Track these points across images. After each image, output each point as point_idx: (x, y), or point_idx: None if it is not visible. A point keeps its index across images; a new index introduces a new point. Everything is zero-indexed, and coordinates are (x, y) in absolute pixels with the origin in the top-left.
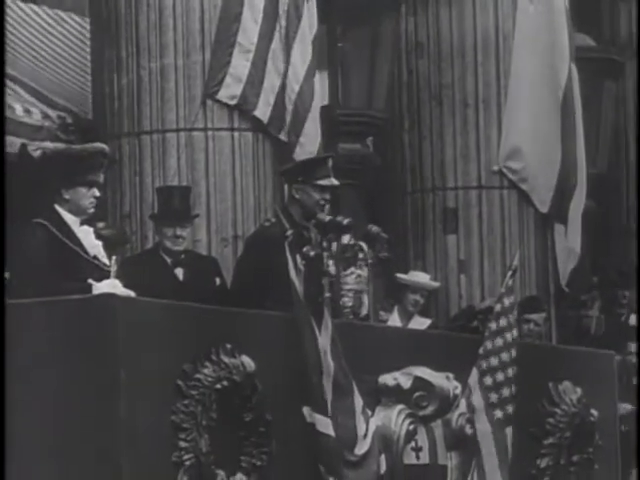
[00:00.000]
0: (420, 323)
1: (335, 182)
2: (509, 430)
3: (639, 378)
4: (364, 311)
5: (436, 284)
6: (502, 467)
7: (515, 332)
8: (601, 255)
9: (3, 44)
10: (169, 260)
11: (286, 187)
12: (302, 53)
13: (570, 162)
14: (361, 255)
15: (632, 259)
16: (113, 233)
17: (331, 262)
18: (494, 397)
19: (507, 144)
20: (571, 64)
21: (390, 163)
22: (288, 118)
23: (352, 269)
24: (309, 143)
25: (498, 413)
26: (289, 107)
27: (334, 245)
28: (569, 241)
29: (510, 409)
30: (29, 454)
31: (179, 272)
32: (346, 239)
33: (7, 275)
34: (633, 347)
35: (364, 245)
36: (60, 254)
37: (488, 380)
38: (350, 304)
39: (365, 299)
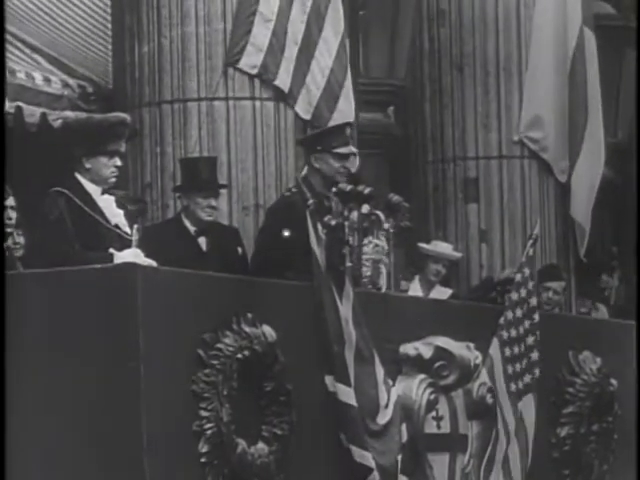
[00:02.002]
0: (441, 293)
1: (354, 150)
2: (532, 397)
3: (639, 372)
4: (382, 281)
5: (458, 254)
6: (519, 436)
7: (534, 301)
8: (621, 225)
9: (3, 36)
10: (192, 230)
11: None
12: (334, 27)
13: (577, 131)
14: (378, 225)
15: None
16: (129, 198)
17: (351, 231)
18: (511, 369)
19: (527, 113)
20: (584, 27)
21: (411, 132)
22: (319, 93)
23: (370, 238)
24: (342, 120)
25: (518, 384)
26: (322, 83)
27: (354, 214)
28: (576, 215)
29: (531, 377)
30: (45, 421)
31: (202, 242)
32: (364, 209)
33: (22, 240)
34: None
35: (381, 215)
36: (81, 223)
37: (507, 351)
38: (368, 274)
39: (383, 269)
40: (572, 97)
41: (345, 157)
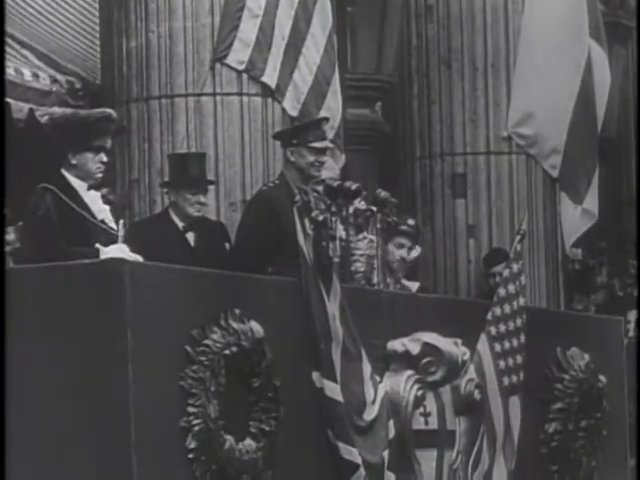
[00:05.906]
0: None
1: (330, 144)
2: (517, 399)
3: (638, 359)
4: (376, 277)
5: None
6: (507, 434)
7: (522, 301)
8: (610, 220)
9: (3, 35)
10: (180, 225)
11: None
12: (322, 23)
13: (592, 134)
14: (373, 220)
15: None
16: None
17: (341, 227)
18: (503, 364)
19: (516, 110)
20: (591, 42)
21: (399, 128)
22: (306, 89)
23: (364, 234)
24: (330, 117)
25: (507, 380)
26: (309, 79)
27: (345, 210)
28: (588, 203)
29: (517, 379)
30: (34, 417)
31: (190, 237)
32: (358, 203)
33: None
34: (631, 316)
35: (376, 210)
36: (67, 219)
37: (498, 347)
38: (362, 269)
39: (376, 264)
40: (584, 106)
41: (321, 151)
